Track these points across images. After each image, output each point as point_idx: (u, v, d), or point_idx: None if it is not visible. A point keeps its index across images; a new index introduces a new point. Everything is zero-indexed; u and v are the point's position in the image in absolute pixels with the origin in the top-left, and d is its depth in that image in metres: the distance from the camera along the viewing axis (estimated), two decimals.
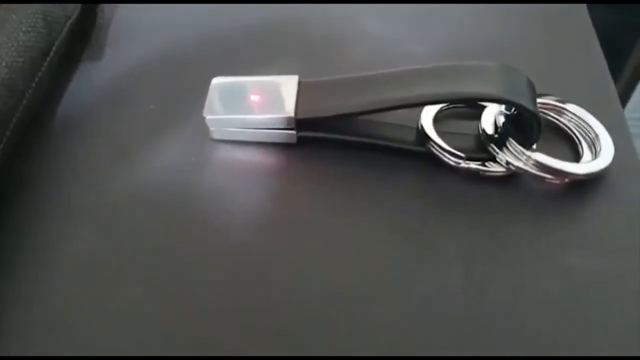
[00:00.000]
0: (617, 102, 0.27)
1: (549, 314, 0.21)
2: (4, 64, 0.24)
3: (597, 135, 0.25)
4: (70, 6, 0.28)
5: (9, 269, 0.22)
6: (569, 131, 0.26)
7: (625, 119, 0.26)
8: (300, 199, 0.25)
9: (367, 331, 0.21)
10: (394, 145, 0.26)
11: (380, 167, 0.25)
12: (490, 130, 0.25)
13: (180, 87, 0.28)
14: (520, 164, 0.24)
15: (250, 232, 0.23)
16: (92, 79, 0.28)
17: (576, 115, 0.26)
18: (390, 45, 0.30)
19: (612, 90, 0.28)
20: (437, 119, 0.26)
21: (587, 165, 0.24)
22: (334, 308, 0.21)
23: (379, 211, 0.24)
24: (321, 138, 0.25)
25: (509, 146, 0.24)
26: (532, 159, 0.24)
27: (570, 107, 0.26)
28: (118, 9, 0.32)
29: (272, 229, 0.23)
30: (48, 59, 0.26)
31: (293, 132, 0.25)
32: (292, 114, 0.25)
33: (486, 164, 0.25)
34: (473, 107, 0.26)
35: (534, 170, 0.24)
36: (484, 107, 0.26)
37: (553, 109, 0.26)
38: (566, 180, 0.24)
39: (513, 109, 0.24)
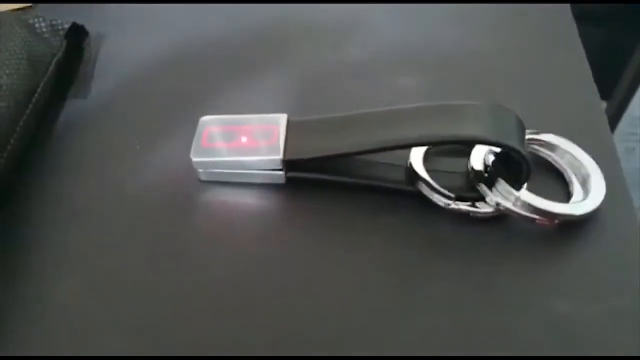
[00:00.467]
0: (610, 137, 0.27)
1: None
2: None
3: (589, 174, 0.25)
4: (56, 43, 0.28)
5: None
6: (560, 168, 0.26)
7: (618, 155, 0.26)
8: (287, 240, 0.24)
9: None
10: (383, 185, 0.25)
11: (369, 207, 0.25)
12: (479, 169, 0.25)
13: (167, 125, 0.28)
14: (509, 205, 0.24)
15: (236, 272, 0.23)
16: (77, 117, 0.28)
17: (568, 152, 0.26)
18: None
19: (605, 124, 0.28)
20: (427, 157, 0.25)
21: (577, 206, 0.24)
22: (317, 351, 0.21)
23: (366, 253, 0.24)
24: (310, 178, 0.25)
25: (498, 186, 0.24)
26: (521, 200, 0.24)
27: (562, 143, 0.26)
28: (105, 42, 0.32)
29: (258, 270, 0.23)
30: (34, 100, 0.26)
31: (282, 173, 0.25)
32: (281, 156, 0.24)
33: (476, 204, 0.24)
34: (463, 145, 0.26)
35: (523, 212, 0.24)
36: (474, 144, 0.25)
37: (544, 145, 0.26)
38: (556, 221, 0.24)
39: (502, 150, 0.24)
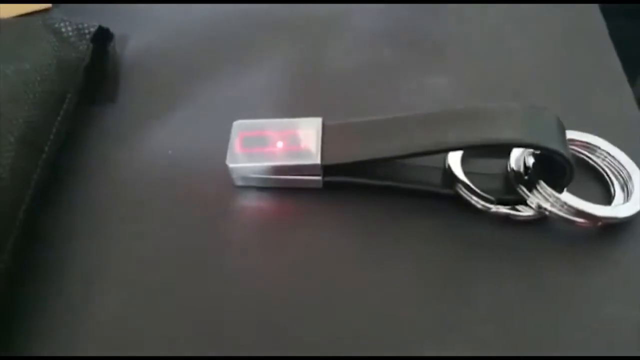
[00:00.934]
0: None
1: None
2: (21, 120, 0.23)
3: (629, 175, 0.25)
4: (82, 47, 0.28)
5: None
6: (601, 170, 0.25)
7: None
8: (325, 244, 0.24)
9: None
10: (420, 188, 0.25)
11: (406, 211, 0.25)
12: (519, 171, 0.24)
13: (199, 128, 0.28)
14: (551, 207, 0.24)
15: (272, 278, 0.23)
16: (106, 122, 0.28)
17: (608, 154, 0.25)
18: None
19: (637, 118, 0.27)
20: (464, 158, 0.25)
21: (619, 209, 0.24)
22: (354, 354, 0.21)
23: (405, 258, 0.23)
24: (349, 182, 0.25)
25: (539, 188, 0.24)
26: (563, 202, 0.23)
27: (601, 144, 0.26)
28: (129, 43, 0.31)
29: (295, 275, 0.23)
30: (64, 106, 0.25)
31: (319, 177, 0.25)
32: (318, 161, 0.24)
33: (517, 207, 0.24)
34: (503, 148, 0.25)
35: (565, 214, 0.23)
36: (514, 147, 0.25)
37: (583, 146, 0.26)
38: (599, 223, 0.24)
39: (543, 153, 0.24)
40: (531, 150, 0.24)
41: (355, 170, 0.25)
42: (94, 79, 0.28)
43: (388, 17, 0.33)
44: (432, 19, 0.33)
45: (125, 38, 0.32)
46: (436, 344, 0.21)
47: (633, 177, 0.25)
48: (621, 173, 0.25)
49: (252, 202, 0.25)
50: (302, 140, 0.25)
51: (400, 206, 0.25)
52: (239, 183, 0.25)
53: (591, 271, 0.23)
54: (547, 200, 0.24)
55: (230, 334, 0.22)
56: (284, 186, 0.25)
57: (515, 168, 0.24)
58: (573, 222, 0.24)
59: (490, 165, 0.25)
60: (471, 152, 0.25)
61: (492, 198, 0.24)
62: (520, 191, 0.24)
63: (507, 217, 0.24)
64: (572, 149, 0.26)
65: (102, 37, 0.29)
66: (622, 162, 0.25)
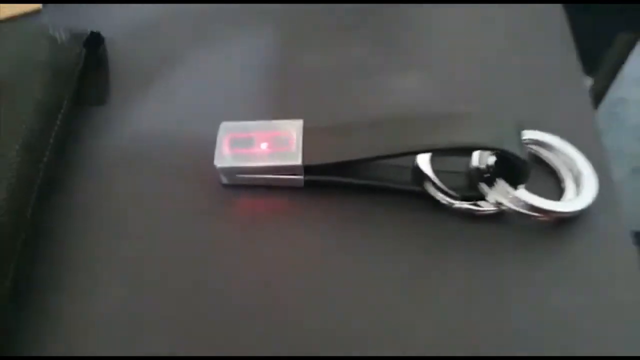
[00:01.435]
0: (600, 137, 0.29)
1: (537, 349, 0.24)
2: (24, 126, 0.25)
3: (580, 172, 0.27)
4: (76, 52, 0.29)
5: None
6: (554, 166, 0.28)
7: (607, 155, 0.28)
8: (305, 238, 0.27)
9: None
10: (393, 186, 0.28)
11: (380, 207, 0.27)
12: (481, 170, 0.27)
13: (187, 129, 0.30)
14: (508, 203, 0.26)
15: (258, 270, 0.25)
16: (99, 124, 0.30)
17: (563, 151, 0.28)
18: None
19: (595, 123, 0.30)
20: (432, 158, 0.28)
21: (570, 204, 0.26)
22: (334, 347, 0.24)
23: (378, 250, 0.26)
24: (327, 181, 0.27)
25: (497, 185, 0.26)
26: (518, 199, 0.26)
27: (555, 141, 0.28)
28: (118, 45, 0.33)
29: (276, 267, 0.26)
30: (62, 110, 0.27)
31: (300, 177, 0.27)
32: (299, 162, 0.26)
33: (478, 202, 0.27)
34: (467, 151, 0.28)
35: (521, 209, 0.26)
36: (477, 150, 0.27)
37: (539, 144, 0.28)
38: (552, 217, 0.26)
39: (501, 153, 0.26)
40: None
41: (333, 170, 0.27)
42: (85, 81, 0.30)
43: (356, 16, 0.35)
44: (398, 18, 0.35)
45: (113, 40, 0.33)
46: (406, 324, 0.24)
47: (584, 172, 0.27)
48: (573, 169, 0.28)
49: (237, 199, 0.27)
50: (284, 141, 0.27)
51: (375, 202, 0.27)
52: (226, 181, 0.28)
53: (543, 261, 0.26)
54: (504, 196, 0.26)
55: (212, 328, 0.24)
56: (267, 184, 0.27)
57: (477, 167, 0.27)
58: (528, 216, 0.26)
59: (455, 164, 0.28)
60: (438, 153, 0.28)
61: (455, 194, 0.27)
62: (481, 188, 0.27)
63: (469, 211, 0.27)
64: (529, 147, 0.28)
65: (93, 41, 0.31)
66: (574, 158, 0.28)
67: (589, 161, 0.27)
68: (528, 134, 0.28)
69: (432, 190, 0.27)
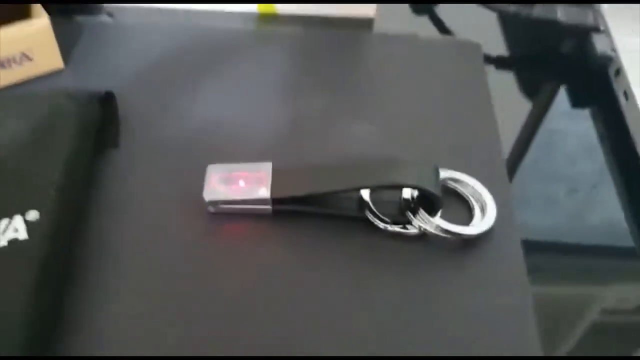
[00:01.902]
0: (504, 172, 0.38)
1: (453, 342, 0.32)
2: (57, 174, 0.32)
3: (485, 202, 0.35)
4: (94, 108, 0.37)
5: None
6: (466, 197, 0.36)
7: (508, 186, 0.37)
8: (272, 254, 0.34)
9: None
10: (342, 213, 0.36)
11: (332, 230, 0.35)
12: (407, 201, 0.35)
13: (184, 170, 0.37)
14: (428, 228, 0.34)
15: (238, 279, 0.33)
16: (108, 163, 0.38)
17: (471, 186, 0.36)
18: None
19: (502, 166, 0.38)
20: (372, 191, 0.36)
21: (476, 228, 0.35)
22: (292, 340, 0.32)
23: (329, 264, 0.34)
24: (291, 210, 0.36)
25: (420, 214, 0.35)
26: (435, 224, 0.34)
27: (466, 178, 0.36)
28: (128, 102, 0.41)
29: (249, 275, 0.33)
30: (85, 160, 0.35)
31: (270, 207, 0.35)
32: (268, 196, 0.35)
33: (407, 226, 0.35)
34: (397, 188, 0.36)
35: (437, 232, 0.34)
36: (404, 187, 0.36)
37: (454, 180, 0.37)
38: (462, 238, 0.35)
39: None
40: None
41: (294, 201, 0.35)
42: (100, 130, 0.38)
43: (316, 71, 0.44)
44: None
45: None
46: (349, 323, 0.32)
47: (488, 202, 0.35)
48: (480, 199, 0.36)
49: (222, 224, 0.35)
50: (258, 180, 0.35)
51: (327, 226, 0.35)
52: (212, 211, 0.36)
53: (456, 273, 0.34)
54: (424, 222, 0.34)
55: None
56: (244, 213, 0.35)
57: (405, 199, 0.35)
58: (444, 238, 0.34)
59: (390, 196, 0.36)
60: (375, 188, 0.36)
61: (388, 220, 0.35)
62: (407, 215, 0.35)
63: (399, 234, 0.35)
64: (446, 183, 0.36)
65: (107, 97, 0.39)
66: (480, 191, 0.36)
67: (493, 194, 0.36)
68: (447, 173, 0.36)
69: (371, 217, 0.35)
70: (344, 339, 0.31)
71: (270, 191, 0.35)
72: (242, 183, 0.35)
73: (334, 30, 0.48)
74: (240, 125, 0.40)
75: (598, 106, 0.45)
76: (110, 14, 0.48)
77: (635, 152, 0.40)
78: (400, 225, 0.35)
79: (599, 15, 0.46)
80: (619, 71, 0.43)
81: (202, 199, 0.35)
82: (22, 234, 0.30)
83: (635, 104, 0.40)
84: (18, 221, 0.31)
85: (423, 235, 0.35)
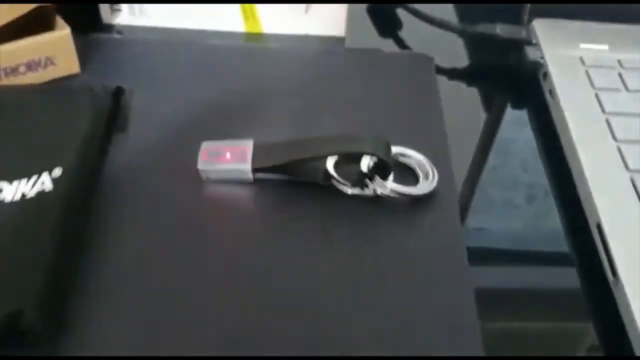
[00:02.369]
0: (448, 155, 0.45)
1: (397, 276, 0.38)
2: (74, 153, 0.40)
3: (428, 171, 0.43)
4: (108, 100, 0.45)
5: None
6: (413, 167, 0.44)
7: (450, 156, 0.44)
8: (253, 213, 0.42)
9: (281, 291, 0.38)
10: (312, 180, 0.43)
11: (304, 194, 0.42)
12: (365, 170, 0.42)
13: (181, 148, 0.45)
14: (382, 190, 0.42)
15: (221, 227, 0.40)
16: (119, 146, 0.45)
17: (417, 159, 0.44)
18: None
19: (445, 148, 0.46)
20: (336, 164, 0.43)
21: (421, 189, 0.42)
22: (269, 281, 0.38)
23: (301, 222, 0.41)
24: (269, 178, 0.43)
25: (375, 179, 0.42)
26: (389, 188, 0.42)
27: (414, 154, 0.44)
28: (133, 96, 0.49)
29: (233, 228, 0.40)
30: (98, 143, 0.43)
31: (251, 175, 0.42)
32: (249, 165, 0.42)
33: (364, 190, 0.42)
34: (357, 157, 0.43)
35: (390, 194, 0.42)
36: (362, 157, 0.43)
37: (403, 155, 0.44)
38: (410, 198, 0.42)
39: (377, 158, 0.42)
40: (372, 158, 0.42)
41: (271, 170, 0.43)
42: (111, 119, 0.46)
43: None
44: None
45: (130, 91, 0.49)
46: (314, 269, 0.39)
47: (430, 171, 0.43)
48: (424, 169, 0.43)
49: (211, 188, 0.43)
50: (241, 152, 0.43)
51: (298, 192, 0.43)
52: (205, 178, 0.43)
53: (403, 224, 0.41)
54: (379, 186, 0.42)
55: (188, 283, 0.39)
56: (231, 179, 0.43)
57: (362, 168, 0.42)
58: (395, 198, 0.42)
59: (351, 167, 0.43)
60: (340, 158, 0.43)
61: (348, 184, 0.42)
62: (366, 181, 0.42)
63: (358, 196, 0.42)
64: (397, 158, 0.44)
65: (117, 90, 0.47)
66: (424, 163, 0.43)
67: (435, 163, 0.43)
68: (397, 149, 0.44)
69: (335, 183, 0.42)
70: (311, 280, 0.38)
71: (251, 162, 0.42)
72: (228, 155, 0.43)
73: (309, 45, 0.56)
74: (227, 116, 0.48)
75: (532, 105, 0.53)
76: (119, 32, 0.56)
77: (560, 144, 0.48)
78: (358, 188, 0.42)
79: (531, 30, 0.55)
80: (546, 74, 0.51)
81: (197, 169, 0.42)
82: (48, 187, 0.37)
83: (558, 100, 0.48)
84: (45, 177, 0.38)
85: (378, 197, 0.42)
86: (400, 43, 0.59)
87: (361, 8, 0.62)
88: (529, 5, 0.55)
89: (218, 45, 0.55)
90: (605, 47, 0.53)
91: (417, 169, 0.44)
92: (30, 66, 0.48)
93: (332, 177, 0.42)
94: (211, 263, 0.38)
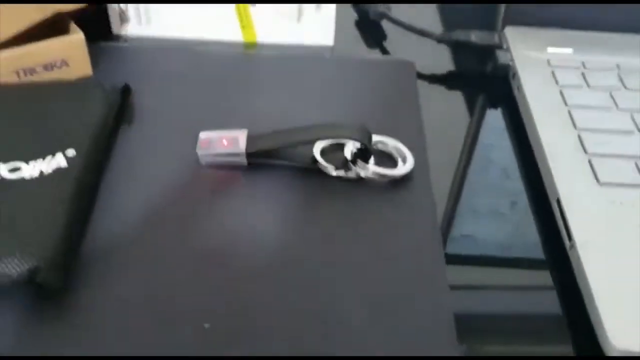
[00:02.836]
0: (424, 138, 0.50)
1: (378, 246, 0.42)
2: (88, 141, 0.45)
3: (405, 156, 0.47)
4: (116, 97, 0.50)
5: None
6: (391, 153, 0.48)
7: (425, 147, 0.49)
8: (247, 194, 0.46)
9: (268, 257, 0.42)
10: (300, 164, 0.47)
11: (293, 177, 0.47)
12: (348, 155, 0.47)
13: (181, 140, 0.50)
14: (364, 172, 0.46)
15: (216, 206, 0.45)
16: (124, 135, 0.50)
17: (395, 146, 0.48)
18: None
19: (421, 131, 0.51)
20: (323, 151, 0.48)
21: (399, 170, 0.46)
22: (258, 251, 0.42)
23: (290, 201, 0.45)
24: (262, 162, 0.47)
25: (358, 163, 0.46)
26: (370, 170, 0.46)
27: (392, 141, 0.49)
28: (138, 94, 0.53)
29: (228, 207, 0.45)
30: (107, 133, 0.47)
31: (245, 159, 0.47)
32: (243, 150, 0.46)
33: (347, 173, 0.47)
34: (341, 145, 0.48)
35: (371, 176, 0.46)
36: (348, 140, 0.48)
37: (382, 143, 0.49)
38: (389, 179, 0.46)
39: (360, 144, 0.47)
40: (356, 144, 0.47)
41: (263, 155, 0.47)
42: (120, 113, 0.51)
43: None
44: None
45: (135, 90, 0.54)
46: (304, 238, 0.43)
47: (407, 155, 0.47)
48: (400, 154, 0.48)
49: (209, 170, 0.47)
50: (236, 140, 0.47)
51: (288, 174, 0.47)
52: (203, 162, 0.47)
53: (382, 200, 0.45)
54: (362, 169, 0.46)
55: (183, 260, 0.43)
56: (227, 164, 0.47)
57: (346, 154, 0.47)
58: (376, 179, 0.46)
59: (337, 152, 0.48)
60: (326, 146, 0.48)
61: (333, 167, 0.47)
62: (349, 164, 0.47)
63: (341, 178, 0.47)
64: (376, 146, 0.49)
65: (125, 88, 0.52)
66: (401, 149, 0.48)
67: (412, 151, 0.48)
68: (377, 138, 0.48)
69: (321, 167, 0.47)
70: (297, 251, 0.42)
71: (246, 147, 0.47)
72: (225, 142, 0.47)
73: (300, 53, 0.61)
74: (222, 113, 0.53)
75: (503, 102, 0.58)
76: (125, 40, 0.61)
77: (527, 138, 0.52)
78: (342, 171, 0.47)
79: (503, 37, 0.60)
80: (514, 74, 0.56)
81: (196, 154, 0.47)
82: (63, 164, 0.42)
83: (524, 94, 0.53)
84: (59, 156, 0.42)
85: (360, 179, 0.47)
86: (384, 50, 0.64)
87: (349, 19, 0.68)
88: (502, 12, 0.60)
89: (215, 52, 0.60)
90: (570, 50, 0.58)
91: (395, 153, 0.48)
92: (46, 67, 0.53)
93: (318, 162, 0.47)
94: (206, 233, 0.43)
